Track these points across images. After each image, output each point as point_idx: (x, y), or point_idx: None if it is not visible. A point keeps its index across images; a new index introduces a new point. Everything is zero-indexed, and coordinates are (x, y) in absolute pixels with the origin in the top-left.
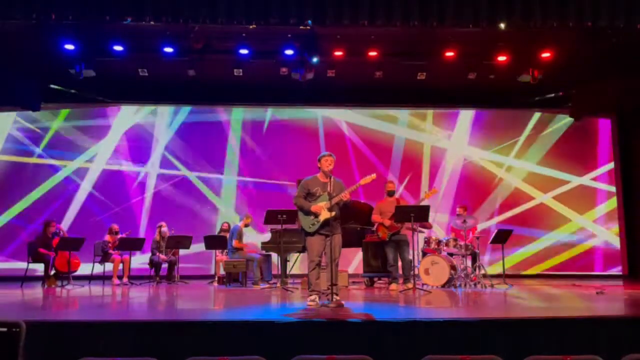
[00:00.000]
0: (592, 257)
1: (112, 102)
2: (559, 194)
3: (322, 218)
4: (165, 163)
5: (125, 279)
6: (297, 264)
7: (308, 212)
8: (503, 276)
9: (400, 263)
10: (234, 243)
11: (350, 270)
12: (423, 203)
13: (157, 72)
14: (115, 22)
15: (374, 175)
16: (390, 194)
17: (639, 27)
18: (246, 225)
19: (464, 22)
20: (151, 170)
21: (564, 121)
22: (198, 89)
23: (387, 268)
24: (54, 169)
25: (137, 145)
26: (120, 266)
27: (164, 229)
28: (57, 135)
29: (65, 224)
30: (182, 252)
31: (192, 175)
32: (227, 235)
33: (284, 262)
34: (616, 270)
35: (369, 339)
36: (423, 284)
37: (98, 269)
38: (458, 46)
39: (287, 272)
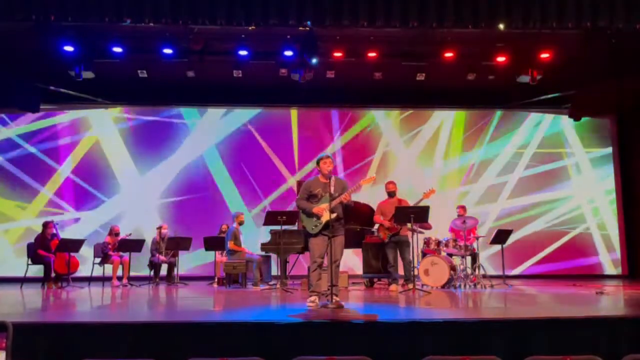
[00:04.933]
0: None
1: (112, 103)
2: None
3: (323, 220)
4: None
5: (124, 281)
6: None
7: (310, 214)
8: (503, 277)
9: (400, 264)
10: (229, 245)
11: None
12: (421, 203)
13: (156, 74)
14: (115, 23)
15: (374, 176)
16: (391, 194)
17: (638, 27)
18: (240, 224)
19: (463, 23)
20: None
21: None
22: (197, 90)
23: (387, 269)
24: None
25: None
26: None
27: (165, 230)
28: None
29: None
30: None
31: None
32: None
33: (284, 263)
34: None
35: (369, 340)
36: (423, 285)
37: (98, 270)
38: (457, 47)
39: (287, 273)
